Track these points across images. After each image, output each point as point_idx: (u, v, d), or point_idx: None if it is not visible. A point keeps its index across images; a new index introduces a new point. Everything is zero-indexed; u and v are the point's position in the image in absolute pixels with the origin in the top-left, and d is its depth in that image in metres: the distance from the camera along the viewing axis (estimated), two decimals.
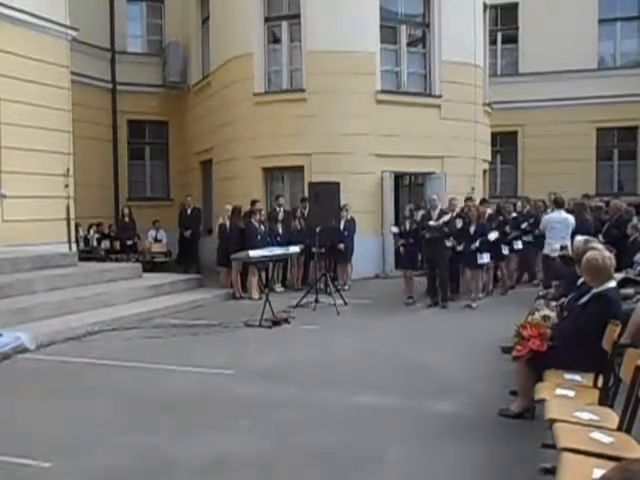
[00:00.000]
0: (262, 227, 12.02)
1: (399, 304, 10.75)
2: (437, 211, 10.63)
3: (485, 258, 10.60)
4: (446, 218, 10.50)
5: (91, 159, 15.64)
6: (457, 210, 11.30)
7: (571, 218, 10.70)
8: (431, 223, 10.44)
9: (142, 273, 12.24)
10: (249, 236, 11.64)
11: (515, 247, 12.13)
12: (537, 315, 5.24)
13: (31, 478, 4.18)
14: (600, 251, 4.96)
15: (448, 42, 14.39)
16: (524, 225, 12.42)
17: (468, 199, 12.17)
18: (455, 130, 14.46)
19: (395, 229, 11.86)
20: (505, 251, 11.75)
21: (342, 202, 11.97)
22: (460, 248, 10.63)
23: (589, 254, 4.87)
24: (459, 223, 10.72)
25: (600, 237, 9.45)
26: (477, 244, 10.43)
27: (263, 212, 12.50)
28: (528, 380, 4.80)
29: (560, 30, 17.86)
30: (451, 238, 10.65)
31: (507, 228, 11.97)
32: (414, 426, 5.03)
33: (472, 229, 10.60)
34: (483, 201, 12.85)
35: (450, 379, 6.33)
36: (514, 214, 12.55)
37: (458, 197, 11.99)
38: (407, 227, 11.11)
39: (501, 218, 12.13)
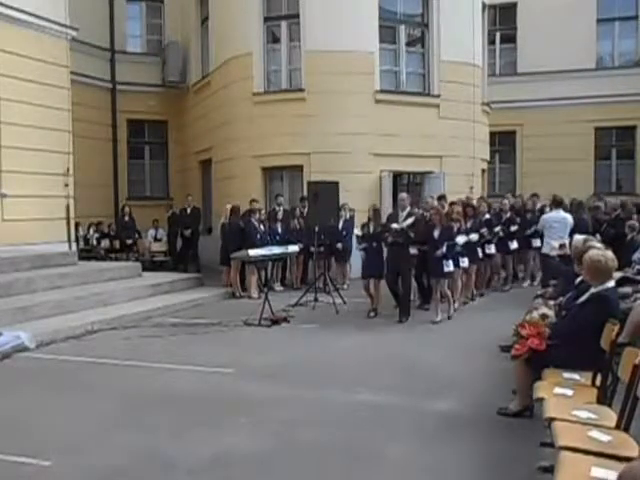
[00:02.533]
0: (261, 226, 12.06)
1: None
2: (405, 212, 9.49)
3: (451, 266, 9.43)
4: (410, 221, 9.34)
5: (91, 158, 15.66)
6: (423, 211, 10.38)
7: (569, 217, 10.74)
8: (393, 226, 9.36)
9: (142, 272, 12.27)
10: (249, 235, 11.66)
11: (487, 251, 11.36)
12: (535, 314, 5.26)
13: (31, 477, 4.19)
14: (603, 251, 4.96)
15: (447, 42, 14.40)
16: (497, 228, 11.76)
17: (441, 197, 11.50)
18: (454, 129, 14.48)
19: (358, 231, 10.78)
20: (480, 254, 10.97)
21: (341, 201, 11.99)
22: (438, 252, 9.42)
23: (593, 253, 4.86)
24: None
25: (598, 236, 9.48)
26: (443, 249, 9.28)
27: (262, 211, 12.54)
28: (527, 379, 4.81)
29: (558, 30, 17.89)
30: (416, 244, 9.55)
31: (485, 230, 11.22)
32: (413, 424, 5.05)
33: (436, 233, 9.43)
34: (481, 200, 12.84)
35: (449, 378, 6.34)
36: (487, 215, 11.67)
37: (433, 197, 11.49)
38: (370, 229, 9.96)
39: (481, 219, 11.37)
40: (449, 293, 9.58)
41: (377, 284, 9.84)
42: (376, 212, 10.05)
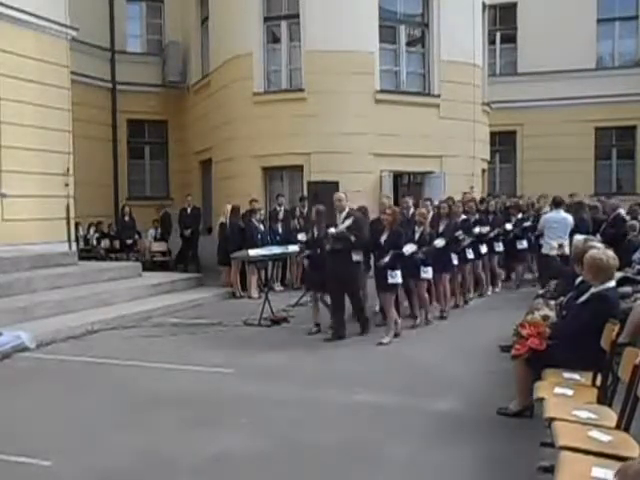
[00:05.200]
0: (261, 226, 12.06)
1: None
2: (344, 214, 8.33)
3: (398, 277, 8.06)
4: (347, 223, 8.21)
5: (91, 158, 15.63)
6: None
7: (569, 218, 10.73)
8: (330, 230, 8.19)
9: (142, 272, 12.27)
10: (249, 235, 11.67)
11: (468, 256, 10.48)
12: (537, 315, 5.25)
13: (31, 477, 4.20)
14: (604, 250, 4.96)
15: (447, 42, 14.40)
16: (477, 229, 10.83)
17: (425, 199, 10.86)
18: (454, 129, 14.47)
19: (302, 237, 9.89)
20: (455, 261, 9.94)
21: None
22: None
23: (594, 252, 4.85)
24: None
25: (598, 236, 9.48)
26: (386, 259, 7.96)
27: (262, 211, 12.55)
28: (527, 379, 4.81)
29: (559, 30, 17.89)
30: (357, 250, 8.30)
31: (460, 233, 10.14)
32: (413, 425, 5.05)
33: (383, 238, 8.16)
34: (482, 200, 12.82)
35: (449, 378, 6.34)
36: (463, 216, 10.60)
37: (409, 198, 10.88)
38: (315, 234, 8.73)
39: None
40: (392, 311, 8.23)
41: (322, 296, 8.84)
42: (319, 214, 8.74)
